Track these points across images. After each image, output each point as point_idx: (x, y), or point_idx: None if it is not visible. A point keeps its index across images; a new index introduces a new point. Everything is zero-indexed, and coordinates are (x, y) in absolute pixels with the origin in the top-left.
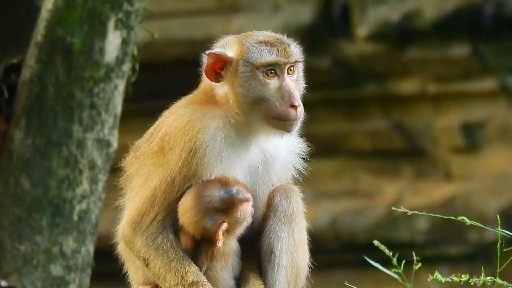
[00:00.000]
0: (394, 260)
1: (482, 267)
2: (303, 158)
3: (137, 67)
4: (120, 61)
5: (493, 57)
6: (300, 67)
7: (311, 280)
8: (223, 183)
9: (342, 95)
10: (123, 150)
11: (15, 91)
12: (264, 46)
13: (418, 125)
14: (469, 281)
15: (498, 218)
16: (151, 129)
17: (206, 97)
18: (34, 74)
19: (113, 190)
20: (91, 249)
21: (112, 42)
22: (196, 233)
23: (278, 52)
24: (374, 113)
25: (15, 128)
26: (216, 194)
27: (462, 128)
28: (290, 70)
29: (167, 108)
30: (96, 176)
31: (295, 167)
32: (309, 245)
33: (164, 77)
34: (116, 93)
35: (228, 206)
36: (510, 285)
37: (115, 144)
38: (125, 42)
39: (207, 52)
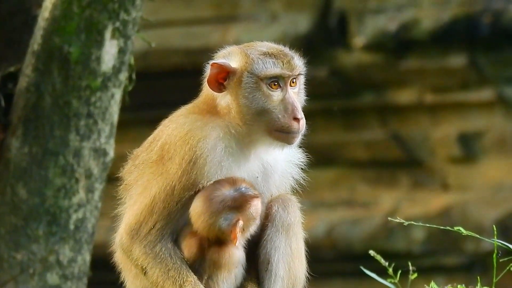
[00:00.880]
0: (390, 270)
1: (479, 277)
2: (302, 169)
3: (134, 76)
4: (117, 70)
5: (490, 67)
6: (302, 79)
7: None
8: (231, 182)
9: (339, 105)
10: (119, 159)
11: (12, 100)
12: (269, 58)
13: (415, 135)
14: None
15: (495, 229)
16: (150, 138)
17: (207, 107)
18: (31, 83)
19: (110, 199)
20: (88, 258)
21: (109, 51)
22: (211, 236)
23: (283, 65)
24: (371, 123)
25: (11, 137)
26: (227, 193)
27: (459, 139)
28: (293, 82)
29: (164, 117)
30: (92, 185)
31: (293, 178)
32: (306, 255)
33: (161, 86)
34: (113, 102)
35: (240, 204)
36: None
37: (111, 153)
38: (122, 51)
39: (211, 62)
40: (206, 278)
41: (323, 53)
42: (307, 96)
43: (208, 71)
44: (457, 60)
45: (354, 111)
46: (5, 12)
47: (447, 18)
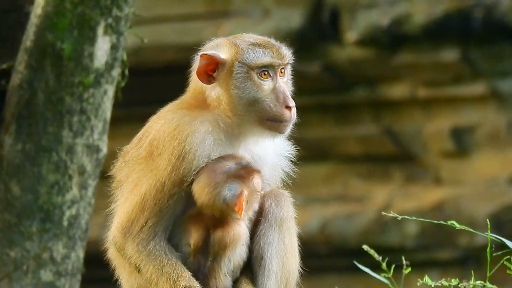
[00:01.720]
0: (384, 265)
1: (472, 271)
2: (292, 162)
3: (126, 72)
4: (109, 66)
5: (483, 61)
6: (289, 69)
7: (302, 285)
8: (233, 157)
9: (332, 100)
10: (113, 155)
11: (5, 97)
12: (258, 48)
13: (408, 129)
14: (459, 286)
15: (488, 223)
16: (139, 134)
17: (195, 101)
18: (24, 80)
19: (103, 195)
20: (81, 254)
21: (102, 48)
22: (215, 210)
23: (273, 54)
24: (364, 118)
25: (5, 134)
26: (230, 164)
27: (452, 133)
28: (281, 72)
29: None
30: (86, 181)
31: (283, 170)
32: (299, 250)
33: (154, 83)
34: (106, 99)
35: (243, 175)
36: None
37: (104, 149)
38: (114, 48)
39: (200, 53)
40: (210, 259)
41: (315, 48)
42: (300, 91)
43: (197, 62)
44: (450, 55)
45: (347, 106)
46: None
47: (440, 12)
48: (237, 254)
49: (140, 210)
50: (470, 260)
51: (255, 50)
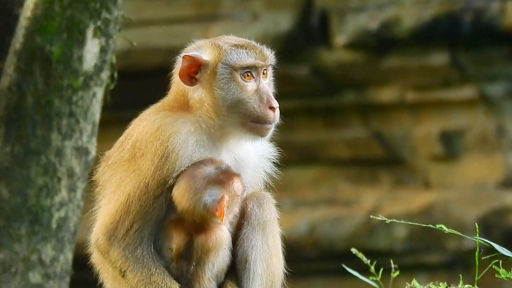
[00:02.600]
0: (372, 268)
1: (461, 275)
2: (279, 165)
3: (115, 75)
4: (98, 69)
5: (472, 65)
6: (271, 71)
7: (287, 287)
8: (212, 162)
9: (321, 104)
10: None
11: None
12: (241, 49)
13: (396, 133)
14: None
15: (477, 227)
16: (121, 138)
17: (178, 103)
18: (13, 83)
19: (92, 198)
20: (70, 257)
21: (91, 50)
22: (196, 216)
23: (256, 55)
24: (353, 121)
25: None
26: (209, 170)
27: (440, 137)
28: (264, 73)
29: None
30: (74, 184)
31: (266, 172)
32: (286, 253)
33: (142, 85)
34: (95, 101)
35: (223, 180)
36: None
37: (93, 152)
38: (103, 50)
39: (182, 54)
40: (194, 264)
41: (304, 52)
42: (288, 94)
43: (179, 64)
44: (439, 59)
45: (335, 109)
46: None
47: (429, 16)
48: (220, 259)
49: (125, 212)
50: (458, 263)
51: (238, 51)
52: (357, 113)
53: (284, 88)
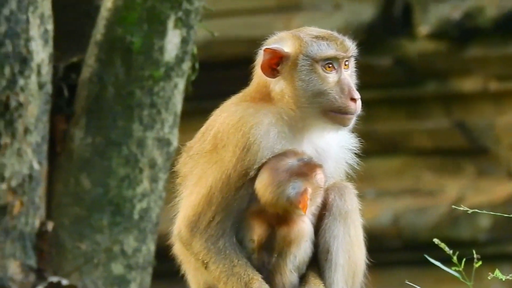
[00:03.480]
0: (455, 259)
1: None
2: (359, 155)
3: (197, 65)
4: (179, 59)
5: None
6: (353, 62)
7: (370, 278)
8: (294, 153)
9: (403, 94)
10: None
11: (75, 91)
12: (322, 41)
13: (479, 123)
14: None
15: None
16: (202, 128)
17: (259, 94)
18: (94, 74)
19: (174, 189)
20: (152, 247)
21: (172, 41)
22: (278, 208)
23: (337, 46)
24: (435, 111)
25: (75, 128)
26: (291, 162)
27: None
28: (345, 64)
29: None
30: (156, 175)
31: (347, 162)
32: (367, 242)
33: (224, 76)
34: (176, 92)
35: (307, 171)
36: None
37: (175, 143)
38: (184, 41)
39: (264, 47)
40: (275, 256)
41: (386, 42)
42: (371, 85)
43: (260, 57)
44: None
45: (418, 99)
46: (68, 2)
47: (511, 5)
48: (301, 250)
49: (207, 203)
50: None
51: (319, 43)
52: (439, 103)
53: (366, 78)
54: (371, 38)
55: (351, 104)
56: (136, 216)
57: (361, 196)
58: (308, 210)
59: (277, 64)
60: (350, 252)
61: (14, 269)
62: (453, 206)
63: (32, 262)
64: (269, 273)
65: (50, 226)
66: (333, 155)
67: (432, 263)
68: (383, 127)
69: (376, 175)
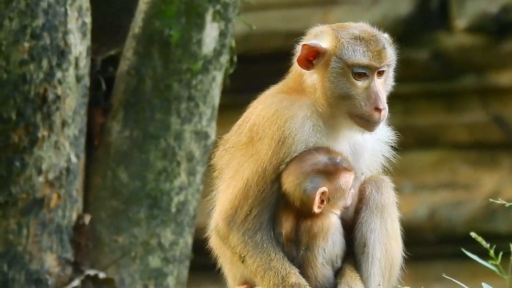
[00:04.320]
0: (492, 252)
1: None
2: (396, 148)
3: (235, 59)
4: (217, 53)
5: None
6: (390, 70)
7: (406, 271)
8: (327, 151)
9: (440, 88)
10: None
11: (113, 84)
12: (359, 46)
13: None
14: None
15: None
16: (239, 121)
17: (295, 86)
18: (132, 67)
19: (211, 182)
20: (189, 241)
21: (210, 34)
22: (296, 200)
23: (372, 56)
24: (473, 105)
25: (112, 121)
26: (320, 158)
27: None
28: (379, 73)
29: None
30: (194, 168)
31: (384, 156)
32: (403, 236)
33: (261, 69)
34: (214, 85)
35: (330, 171)
36: None
37: (213, 136)
38: (222, 34)
39: (302, 43)
40: (304, 249)
41: (424, 35)
42: (408, 78)
43: (299, 51)
44: None
45: (455, 93)
46: None
47: None
48: (329, 244)
49: (243, 197)
50: None
51: (355, 48)
52: (476, 96)
53: (403, 72)
54: (409, 32)
55: (375, 113)
56: (173, 209)
57: (398, 190)
58: (317, 208)
59: (314, 57)
60: (387, 246)
61: (50, 262)
62: (490, 199)
63: (69, 255)
64: (299, 266)
65: (87, 219)
66: (369, 148)
67: (468, 257)
68: (420, 120)
69: (413, 169)
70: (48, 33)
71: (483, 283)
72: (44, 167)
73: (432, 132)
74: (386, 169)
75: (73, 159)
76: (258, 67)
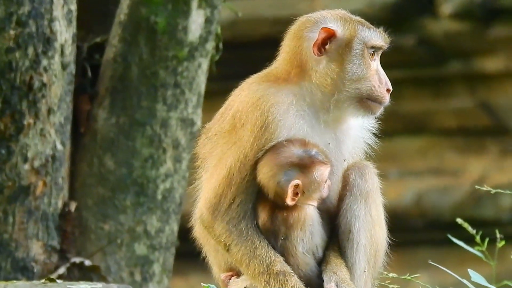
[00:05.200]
0: (478, 238)
1: None
2: (383, 135)
3: (220, 46)
4: (203, 40)
5: None
6: None
7: (392, 257)
8: (303, 144)
9: (427, 73)
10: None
11: (99, 71)
12: (373, 29)
13: (503, 103)
14: None
15: None
16: (221, 109)
17: (285, 74)
18: (118, 54)
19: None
20: (175, 228)
21: (196, 21)
22: (270, 192)
23: (383, 36)
24: (460, 91)
25: (98, 108)
26: (294, 151)
27: None
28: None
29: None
30: (180, 155)
31: (366, 142)
32: (390, 222)
33: (249, 56)
34: (200, 72)
35: (305, 164)
36: None
37: (199, 123)
38: (208, 21)
39: (321, 26)
40: (282, 238)
41: (411, 21)
42: (395, 64)
43: (312, 34)
44: None
45: (442, 79)
46: None
47: None
48: (308, 234)
49: (227, 185)
50: None
51: (371, 30)
52: (463, 82)
53: (391, 58)
54: (395, 18)
55: (386, 94)
56: (159, 196)
57: (385, 176)
58: (290, 200)
59: (325, 44)
60: (371, 232)
61: (36, 249)
62: (476, 186)
63: (55, 242)
64: (281, 255)
65: (73, 206)
66: (352, 135)
67: (455, 243)
68: (407, 106)
69: (400, 155)
70: (34, 20)
71: (469, 269)
72: (30, 154)
73: (419, 118)
74: (369, 156)
75: (59, 146)
76: (245, 53)
